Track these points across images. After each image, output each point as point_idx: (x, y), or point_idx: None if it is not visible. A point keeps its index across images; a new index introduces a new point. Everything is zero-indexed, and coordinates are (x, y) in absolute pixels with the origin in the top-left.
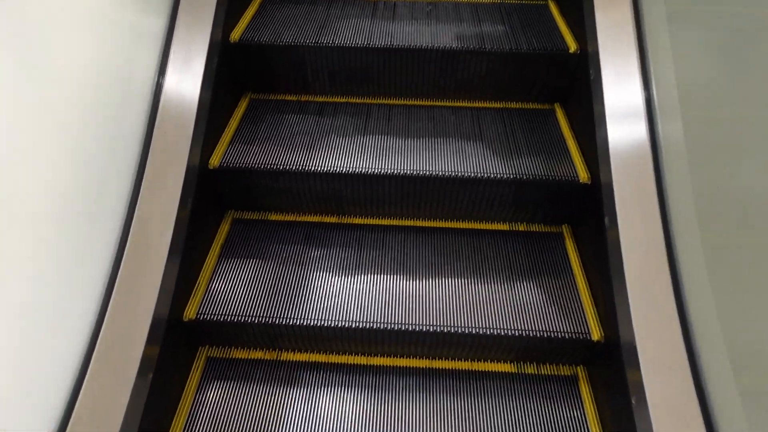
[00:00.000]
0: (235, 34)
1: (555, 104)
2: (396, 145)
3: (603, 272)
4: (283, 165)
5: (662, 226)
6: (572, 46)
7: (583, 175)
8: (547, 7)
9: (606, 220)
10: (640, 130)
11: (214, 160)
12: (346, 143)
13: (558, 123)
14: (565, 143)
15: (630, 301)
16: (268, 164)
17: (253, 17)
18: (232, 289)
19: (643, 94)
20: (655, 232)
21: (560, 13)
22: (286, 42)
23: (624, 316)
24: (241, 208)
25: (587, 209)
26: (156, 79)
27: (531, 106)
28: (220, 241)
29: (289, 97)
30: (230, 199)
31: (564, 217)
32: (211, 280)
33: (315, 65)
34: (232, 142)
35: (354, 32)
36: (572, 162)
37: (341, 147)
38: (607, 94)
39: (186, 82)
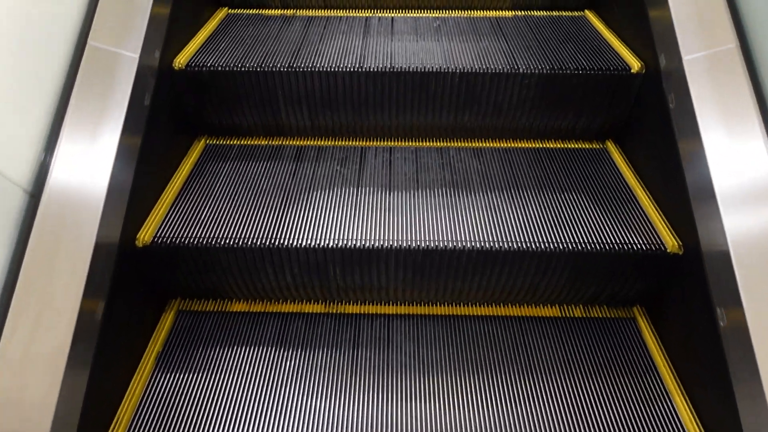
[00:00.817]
0: (181, 59)
1: (607, 141)
2: (400, 204)
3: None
4: (246, 236)
5: None
6: (634, 65)
7: (671, 243)
8: (585, 18)
9: (718, 312)
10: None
11: (145, 235)
12: (333, 202)
13: (616, 167)
14: (631, 194)
15: None
16: (223, 236)
17: (208, 38)
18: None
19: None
20: None
21: (606, 24)
22: (250, 67)
23: None
24: (188, 295)
25: (676, 285)
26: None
27: (576, 145)
28: (157, 344)
29: (256, 141)
30: (172, 285)
31: (637, 297)
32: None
33: (290, 97)
34: (174, 205)
35: (341, 53)
36: (649, 222)
37: (326, 208)
38: (705, 127)
39: (99, 127)
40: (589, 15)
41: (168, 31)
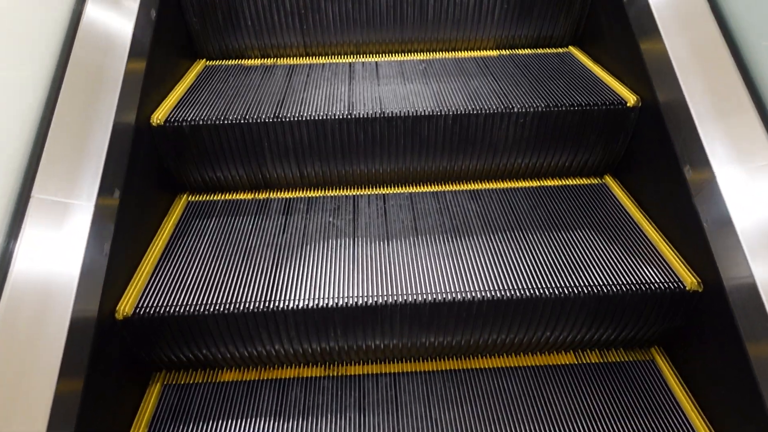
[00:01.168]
0: (159, 115)
1: (606, 176)
2: (400, 255)
3: None
4: (236, 300)
5: None
6: (630, 99)
7: (689, 280)
8: (570, 54)
9: (748, 346)
10: None
11: (125, 306)
12: (328, 257)
13: (618, 201)
14: (639, 229)
15: None
16: (211, 302)
17: (187, 91)
18: None
19: None
20: None
21: (593, 58)
22: (233, 119)
23: None
24: (174, 367)
25: (697, 323)
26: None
27: (575, 181)
28: (142, 424)
29: (242, 195)
30: (156, 357)
31: (655, 337)
32: None
33: (276, 148)
34: (156, 270)
35: (328, 100)
36: (662, 258)
37: (321, 264)
38: (714, 157)
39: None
40: (574, 51)
41: (144, 87)
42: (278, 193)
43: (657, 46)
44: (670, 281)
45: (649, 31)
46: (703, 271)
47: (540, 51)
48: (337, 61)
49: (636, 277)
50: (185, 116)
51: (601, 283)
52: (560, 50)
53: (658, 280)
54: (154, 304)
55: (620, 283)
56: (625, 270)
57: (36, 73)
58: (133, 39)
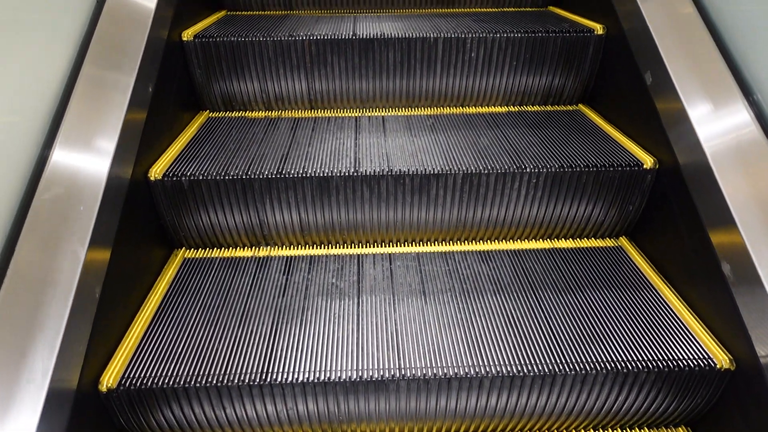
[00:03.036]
0: (157, 169)
1: (621, 238)
2: (408, 323)
3: None
4: (231, 372)
5: None
6: (647, 161)
7: (720, 357)
8: (580, 112)
9: None
10: None
11: (110, 378)
12: (331, 324)
13: (636, 266)
14: (660, 297)
15: None
16: (204, 374)
17: (188, 144)
18: None
19: None
20: None
21: (605, 117)
22: (234, 175)
23: None
24: None
25: (729, 403)
26: None
27: (590, 243)
28: None
29: (241, 253)
30: (141, 426)
31: (681, 417)
32: None
33: (279, 205)
34: (146, 336)
35: (333, 155)
36: (688, 331)
37: (323, 332)
38: (741, 220)
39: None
40: (585, 109)
41: (143, 139)
42: (279, 250)
43: (675, 106)
44: (700, 358)
45: (666, 91)
46: (734, 346)
47: (549, 108)
48: (343, 114)
49: (662, 353)
50: (184, 170)
51: (624, 360)
52: (570, 108)
53: (684, 357)
54: (142, 376)
55: (644, 359)
56: (648, 344)
57: (33, 127)
58: (134, 90)
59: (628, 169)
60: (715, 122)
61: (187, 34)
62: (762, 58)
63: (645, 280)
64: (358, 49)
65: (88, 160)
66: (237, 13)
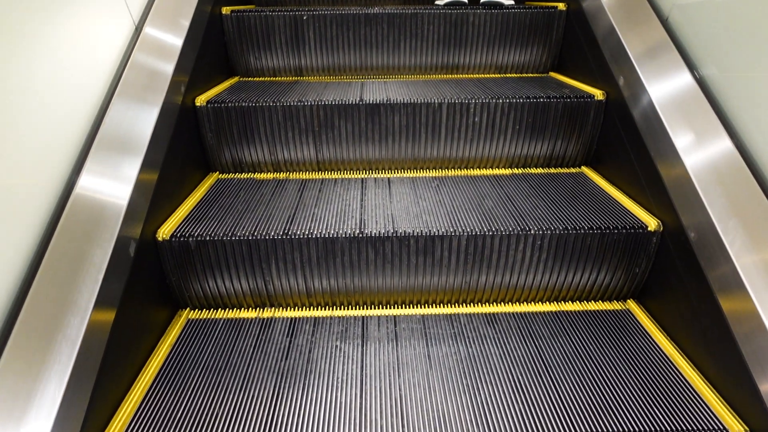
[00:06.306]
0: (166, 230)
1: (629, 301)
2: (412, 389)
3: None
4: None
5: None
6: (651, 223)
7: (736, 428)
8: (584, 174)
9: None
10: None
11: None
12: (334, 389)
13: (646, 331)
14: (671, 364)
15: None
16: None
17: (196, 205)
18: None
19: None
20: None
21: (609, 180)
22: (241, 236)
23: None
24: None
25: None
26: None
27: (597, 306)
28: None
29: (245, 314)
30: None
31: None
32: None
33: (284, 266)
34: (146, 400)
35: (339, 217)
36: (701, 400)
37: (326, 397)
38: (753, 286)
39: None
40: (587, 171)
41: (152, 200)
42: (283, 311)
43: (678, 171)
44: (713, 429)
45: (668, 154)
46: (751, 418)
47: (553, 170)
48: (350, 176)
49: (672, 422)
50: (192, 231)
51: (634, 430)
52: (573, 170)
53: (698, 428)
54: None
55: (655, 430)
56: (660, 416)
57: (46, 189)
58: (147, 152)
59: (632, 231)
60: (719, 187)
61: (200, 100)
62: (764, 126)
63: (655, 345)
64: (365, 113)
65: (98, 219)
66: (249, 79)
